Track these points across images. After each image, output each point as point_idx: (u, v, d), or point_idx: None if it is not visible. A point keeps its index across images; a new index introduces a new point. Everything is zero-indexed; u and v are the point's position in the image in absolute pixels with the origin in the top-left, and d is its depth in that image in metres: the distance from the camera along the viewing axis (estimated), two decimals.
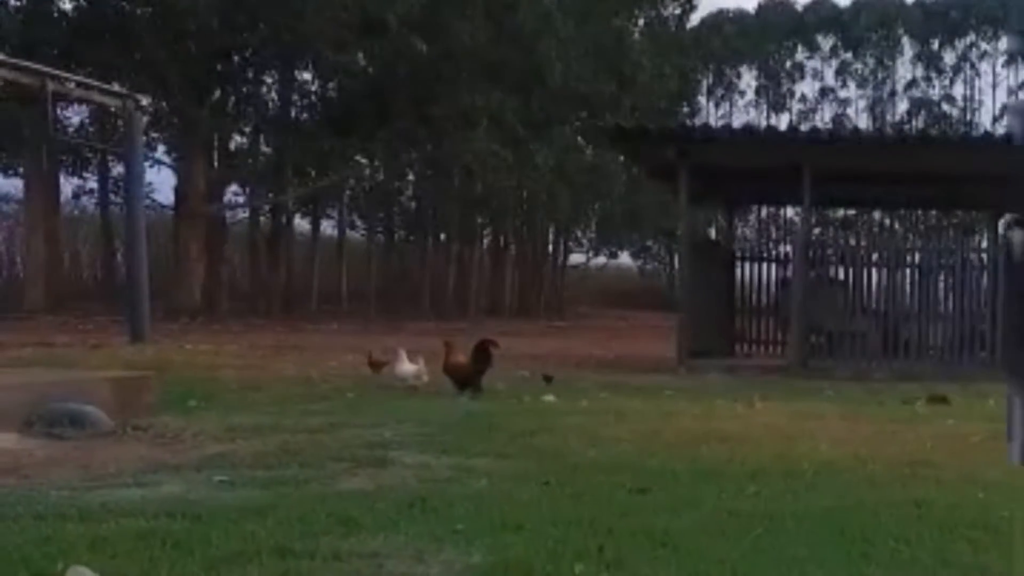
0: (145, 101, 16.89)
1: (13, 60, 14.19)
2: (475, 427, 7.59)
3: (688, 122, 31.87)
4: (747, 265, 18.96)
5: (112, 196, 32.17)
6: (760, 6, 52.17)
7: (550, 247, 45.39)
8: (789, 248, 17.95)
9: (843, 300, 15.96)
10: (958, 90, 50.62)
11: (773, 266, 18.98)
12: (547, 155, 33.43)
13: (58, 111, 28.48)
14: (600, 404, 9.77)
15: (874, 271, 15.94)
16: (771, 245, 46.44)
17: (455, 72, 29.18)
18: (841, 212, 48.00)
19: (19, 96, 14.54)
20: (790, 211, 47.40)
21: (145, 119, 22.80)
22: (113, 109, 16.66)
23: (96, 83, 15.45)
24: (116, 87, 15.97)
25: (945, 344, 15.73)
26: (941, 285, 15.92)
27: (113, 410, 7.71)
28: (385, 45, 27.04)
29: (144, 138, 32.21)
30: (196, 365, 12.61)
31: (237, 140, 33.07)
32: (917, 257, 15.90)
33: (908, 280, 15.93)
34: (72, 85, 15.12)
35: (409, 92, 29.15)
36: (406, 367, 10.89)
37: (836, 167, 15.11)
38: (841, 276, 16.04)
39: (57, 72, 14.81)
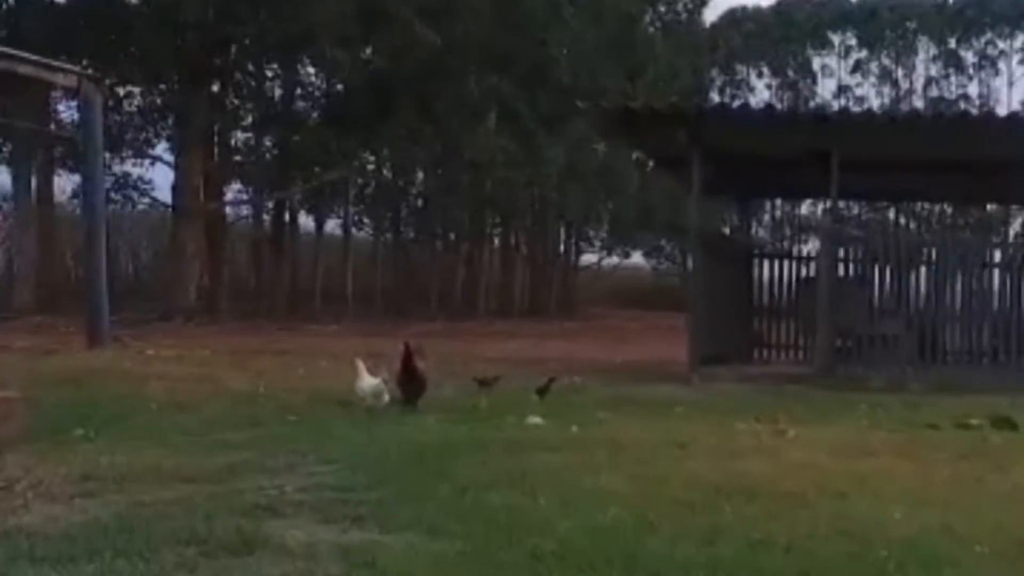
0: (107, 82, 14.72)
1: None
2: (419, 474, 5.44)
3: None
4: (765, 263, 16.75)
5: (111, 194, 30.07)
6: (778, 3, 49.86)
7: (561, 246, 43.17)
8: (810, 245, 15.67)
9: (874, 301, 13.75)
10: (973, 89, 48.23)
11: (793, 264, 16.76)
12: (558, 151, 31.31)
13: (51, 104, 26.73)
14: (594, 431, 7.59)
15: (911, 269, 13.69)
16: (786, 242, 44.12)
17: (463, 64, 27.02)
18: (855, 210, 45.70)
19: None
20: (796, 206, 44.93)
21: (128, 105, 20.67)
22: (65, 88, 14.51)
23: (47, 60, 13.32)
24: (70, 66, 13.81)
25: (991, 350, 13.49)
26: (986, 284, 13.67)
27: None
28: (392, 36, 24.88)
29: (144, 133, 30.78)
30: (133, 376, 10.48)
31: (239, 136, 30.95)
32: (959, 253, 13.62)
33: (949, 278, 13.65)
34: (18, 62, 13.01)
35: (416, 85, 27.02)
36: (364, 383, 8.74)
37: (867, 154, 12.89)
38: (870, 275, 13.77)
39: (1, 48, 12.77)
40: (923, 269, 13.92)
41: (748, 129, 12.69)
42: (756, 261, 16.68)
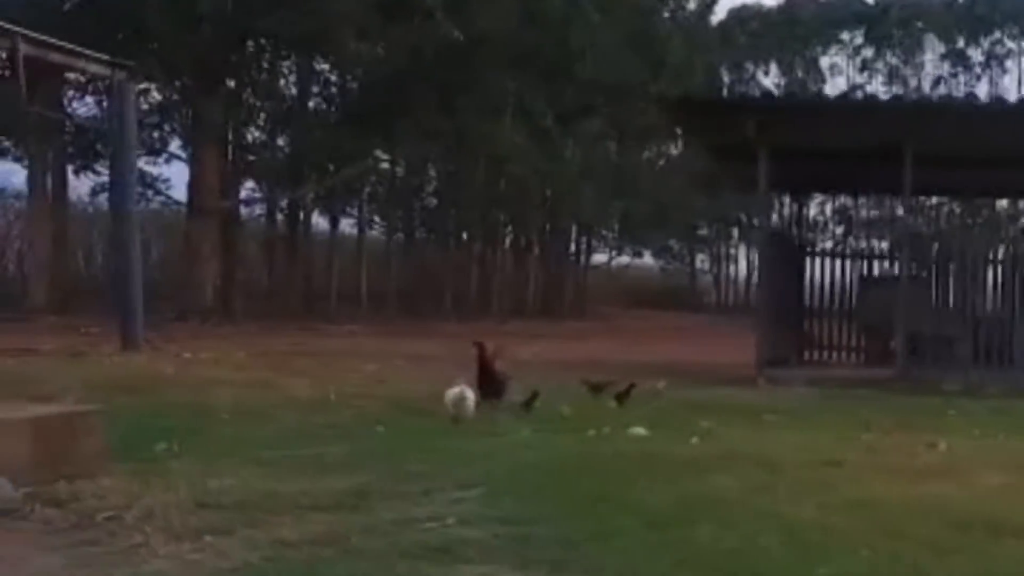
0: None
1: None
2: (580, 500, 4.67)
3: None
4: (818, 261, 15.98)
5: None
6: (784, 2, 49.23)
7: (572, 246, 42.41)
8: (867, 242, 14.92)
9: (943, 302, 13.02)
10: (981, 89, 47.59)
11: (847, 262, 16.01)
12: (575, 149, 30.59)
13: (65, 101, 25.87)
14: (716, 444, 6.83)
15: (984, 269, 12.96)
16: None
17: (483, 60, 26.22)
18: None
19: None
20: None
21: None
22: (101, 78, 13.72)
23: (80, 48, 12.52)
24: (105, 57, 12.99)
25: None
26: None
27: (30, 467, 4.85)
28: (413, 30, 24.07)
29: (158, 131, 29.94)
30: (186, 382, 9.68)
31: (254, 134, 30.08)
32: None
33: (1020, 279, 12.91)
34: (51, 50, 12.22)
35: (434, 81, 26.22)
36: (451, 390, 7.95)
37: (944, 146, 12.14)
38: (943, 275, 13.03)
39: (31, 33, 11.96)
40: (992, 269, 13.24)
41: (818, 120, 11.96)
42: (808, 260, 15.90)
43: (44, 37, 12.04)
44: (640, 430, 7.65)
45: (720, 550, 3.81)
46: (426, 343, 19.39)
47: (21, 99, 11.70)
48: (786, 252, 14.52)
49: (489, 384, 8.64)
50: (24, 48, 11.56)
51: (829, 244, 37.20)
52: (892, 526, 4.20)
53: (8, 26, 11.59)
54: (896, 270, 16.28)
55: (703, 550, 3.80)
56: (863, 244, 38.18)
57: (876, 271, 15.80)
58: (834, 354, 16.05)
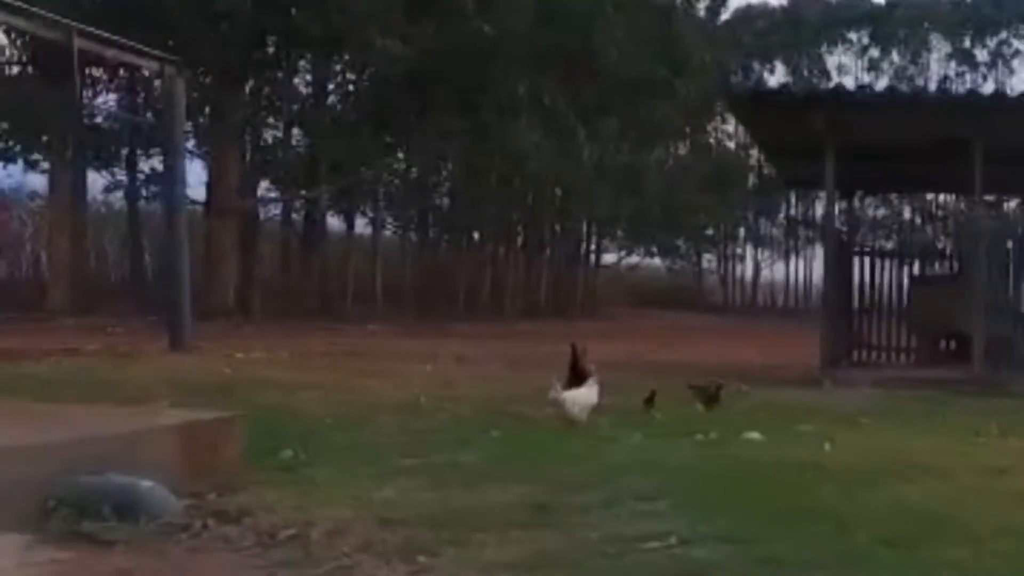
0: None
1: (35, 9, 10.94)
2: (774, 511, 4.35)
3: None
4: (867, 260, 15.66)
5: (141, 191, 28.84)
6: (790, 1, 49.06)
7: (583, 246, 42.12)
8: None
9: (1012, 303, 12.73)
10: (987, 89, 47.35)
11: (896, 262, 15.72)
12: (592, 149, 30.28)
13: (87, 95, 25.38)
14: (855, 449, 6.50)
15: None
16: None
17: (504, 58, 25.88)
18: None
19: (44, 60, 11.26)
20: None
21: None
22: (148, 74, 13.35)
23: (133, 43, 12.17)
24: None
25: None
26: None
27: (181, 477, 4.52)
28: (440, 27, 23.72)
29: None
30: (260, 383, 9.29)
31: (272, 133, 29.68)
32: None
33: None
34: (106, 45, 11.87)
35: (454, 80, 25.87)
36: (568, 392, 7.65)
37: (1013, 143, 11.85)
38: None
39: (86, 27, 11.60)
40: None
41: (890, 115, 11.65)
42: (857, 259, 15.59)
43: (98, 32, 11.68)
44: (755, 435, 7.35)
45: (987, 570, 3.49)
46: (459, 343, 19.06)
47: (75, 94, 11.28)
48: (842, 252, 14.22)
49: (580, 385, 8.43)
50: (79, 42, 11.20)
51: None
52: None
53: (64, 20, 11.23)
54: (947, 270, 16.13)
55: (981, 572, 3.48)
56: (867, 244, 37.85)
57: (927, 271, 15.54)
58: (882, 354, 15.77)
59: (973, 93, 11.26)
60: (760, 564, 3.53)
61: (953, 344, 14.80)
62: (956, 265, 15.44)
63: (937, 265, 16.38)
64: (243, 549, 3.83)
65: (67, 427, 4.65)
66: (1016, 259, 12.24)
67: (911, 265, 15.46)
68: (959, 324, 13.35)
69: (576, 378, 8.42)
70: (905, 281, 15.25)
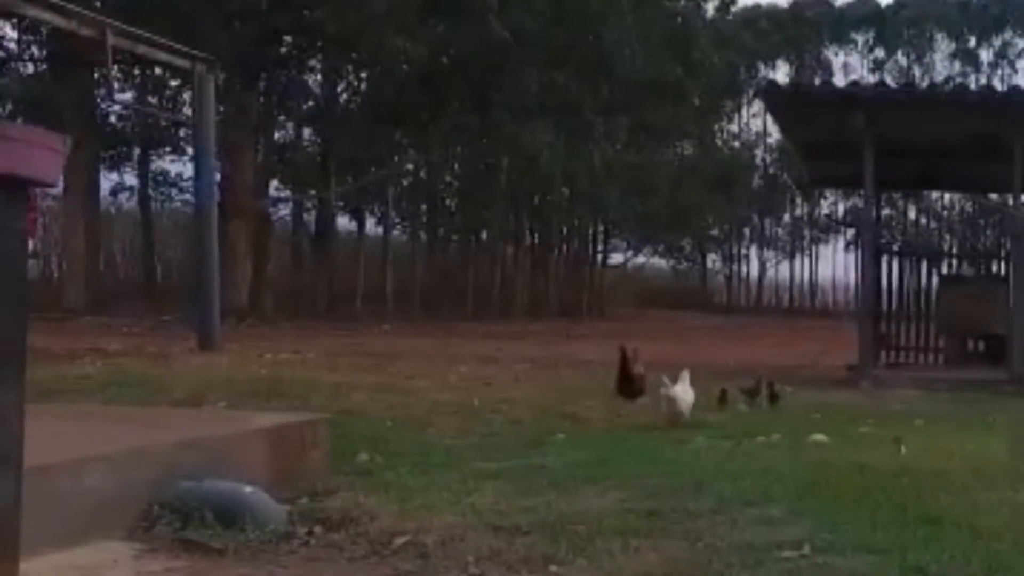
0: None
1: (71, 6, 10.78)
2: (902, 519, 4.18)
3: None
4: (893, 260, 15.48)
5: (151, 192, 28.67)
6: (794, 1, 48.93)
7: (591, 246, 41.97)
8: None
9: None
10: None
11: (923, 262, 15.55)
12: (604, 149, 30.13)
13: (101, 94, 25.14)
14: (929, 452, 6.34)
15: None
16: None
17: (518, 58, 25.73)
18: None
19: (75, 55, 11.10)
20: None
21: None
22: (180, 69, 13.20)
23: (164, 40, 12.00)
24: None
25: None
26: None
27: (271, 482, 4.35)
28: (451, 27, 23.57)
29: (186, 128, 29.27)
30: (306, 383, 9.11)
31: (286, 133, 29.52)
32: None
33: None
34: (138, 42, 11.70)
35: (467, 80, 25.73)
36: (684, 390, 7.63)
37: None
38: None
39: (119, 24, 11.43)
40: None
41: (930, 113, 11.51)
42: (884, 258, 15.42)
43: (131, 28, 11.51)
44: (821, 437, 7.19)
45: None
46: (475, 344, 18.91)
47: (110, 91, 11.10)
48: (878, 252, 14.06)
49: (629, 386, 8.34)
50: (112, 39, 11.02)
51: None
52: None
53: (98, 16, 11.06)
54: (977, 270, 16.01)
55: None
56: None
57: (956, 271, 15.39)
58: (909, 355, 15.61)
59: (1016, 91, 11.03)
60: (911, 575, 3.37)
61: (981, 345, 14.68)
62: (986, 266, 15.31)
63: (961, 267, 16.22)
64: (359, 558, 3.67)
65: (165, 431, 4.47)
66: None
67: (939, 266, 15.28)
68: (993, 325, 13.21)
69: (626, 381, 8.33)
70: (935, 281, 15.09)
